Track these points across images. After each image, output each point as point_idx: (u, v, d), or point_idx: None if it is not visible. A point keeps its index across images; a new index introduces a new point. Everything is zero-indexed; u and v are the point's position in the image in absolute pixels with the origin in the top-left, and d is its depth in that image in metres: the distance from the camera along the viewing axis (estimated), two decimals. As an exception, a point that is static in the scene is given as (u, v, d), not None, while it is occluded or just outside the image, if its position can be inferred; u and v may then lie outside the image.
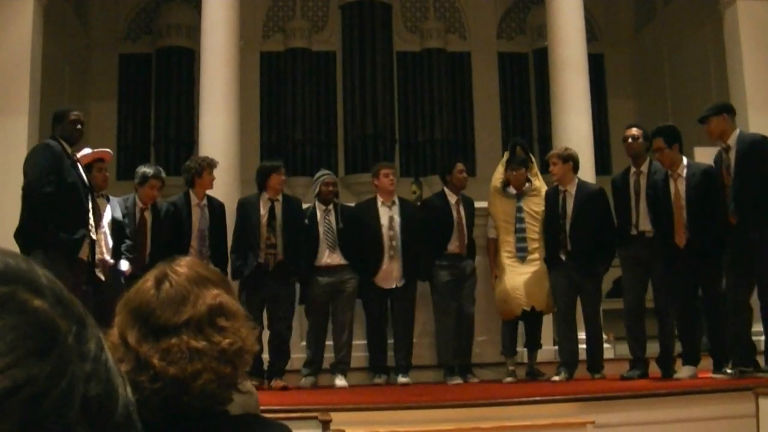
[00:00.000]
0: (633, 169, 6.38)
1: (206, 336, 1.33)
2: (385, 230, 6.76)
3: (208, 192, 6.62)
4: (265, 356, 6.38)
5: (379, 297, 6.77)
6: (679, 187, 6.02)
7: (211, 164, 6.58)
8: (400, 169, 11.84)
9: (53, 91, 9.25)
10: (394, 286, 6.72)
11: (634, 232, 6.24)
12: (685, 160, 6.12)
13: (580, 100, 8.15)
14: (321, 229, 6.65)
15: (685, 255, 5.91)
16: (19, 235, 5.09)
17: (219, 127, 7.72)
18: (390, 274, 6.72)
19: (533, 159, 7.18)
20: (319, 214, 6.71)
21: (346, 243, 6.66)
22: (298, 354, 6.74)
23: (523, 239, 6.73)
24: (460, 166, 7.07)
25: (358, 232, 6.80)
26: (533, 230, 6.73)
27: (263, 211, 6.55)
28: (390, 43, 12.08)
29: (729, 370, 5.72)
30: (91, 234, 5.23)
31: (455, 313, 6.74)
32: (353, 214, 6.92)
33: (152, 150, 11.84)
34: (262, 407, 1.92)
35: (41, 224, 4.99)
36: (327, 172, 6.96)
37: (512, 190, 6.82)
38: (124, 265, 5.96)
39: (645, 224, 6.20)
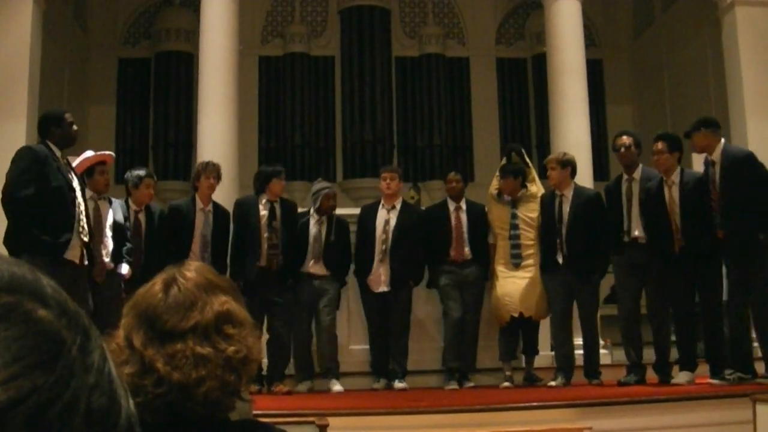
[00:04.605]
0: (625, 176, 6.40)
1: (212, 343, 1.32)
2: (378, 234, 6.79)
3: (215, 199, 6.62)
4: (264, 360, 6.38)
5: (375, 301, 6.79)
6: (673, 195, 6.04)
7: (207, 168, 6.56)
8: (398, 174, 11.85)
9: (52, 94, 9.26)
10: (381, 290, 6.74)
11: (626, 239, 6.24)
12: (679, 168, 6.13)
13: (578, 105, 8.16)
14: (310, 239, 6.68)
15: (681, 260, 5.92)
16: (6, 241, 5.07)
17: (217, 131, 7.73)
18: (379, 277, 6.75)
19: (530, 165, 7.16)
20: (312, 222, 6.74)
21: (332, 255, 6.70)
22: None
23: (517, 246, 6.73)
24: (450, 176, 7.09)
25: (358, 235, 6.88)
26: (528, 237, 6.72)
27: (263, 212, 6.57)
28: (389, 48, 12.10)
29: (727, 376, 5.72)
30: (83, 237, 5.17)
31: (458, 318, 6.75)
32: (359, 218, 7.01)
33: (151, 153, 11.85)
34: (259, 411, 1.92)
35: (24, 228, 4.96)
36: (328, 185, 6.95)
37: (507, 197, 6.82)
38: (124, 268, 5.96)
39: (637, 230, 6.21)
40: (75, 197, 5.14)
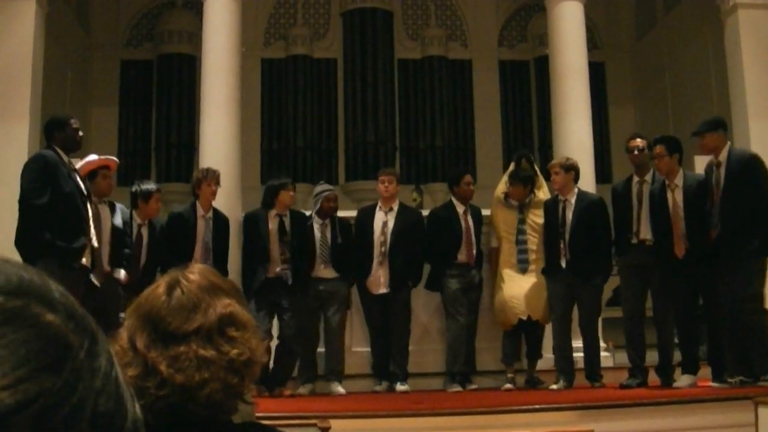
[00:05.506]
0: (636, 178, 6.40)
1: (215, 345, 1.32)
2: (376, 236, 6.80)
3: (215, 205, 6.61)
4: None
5: (375, 303, 6.79)
6: (676, 198, 6.03)
7: (207, 175, 6.53)
8: (401, 176, 11.84)
9: (54, 96, 9.26)
10: (381, 292, 6.74)
11: (634, 240, 6.24)
12: (681, 171, 6.13)
13: (580, 107, 8.16)
14: (317, 243, 6.68)
15: (684, 263, 5.92)
16: (18, 245, 5.08)
17: (220, 133, 7.73)
18: (378, 279, 6.75)
19: (539, 173, 7.17)
20: (316, 227, 6.74)
21: (340, 257, 6.69)
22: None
23: (524, 251, 6.74)
24: (467, 177, 7.09)
25: (355, 237, 6.89)
26: (534, 242, 6.74)
27: (272, 225, 6.57)
28: (391, 50, 12.09)
29: (729, 379, 5.71)
30: (93, 242, 5.21)
31: (465, 322, 6.74)
32: (356, 220, 7.00)
33: (153, 156, 11.85)
34: (262, 414, 1.93)
35: (38, 234, 4.97)
36: (329, 187, 6.97)
37: (514, 202, 6.84)
38: (121, 273, 5.91)
39: (646, 233, 6.21)
40: (85, 202, 5.17)
